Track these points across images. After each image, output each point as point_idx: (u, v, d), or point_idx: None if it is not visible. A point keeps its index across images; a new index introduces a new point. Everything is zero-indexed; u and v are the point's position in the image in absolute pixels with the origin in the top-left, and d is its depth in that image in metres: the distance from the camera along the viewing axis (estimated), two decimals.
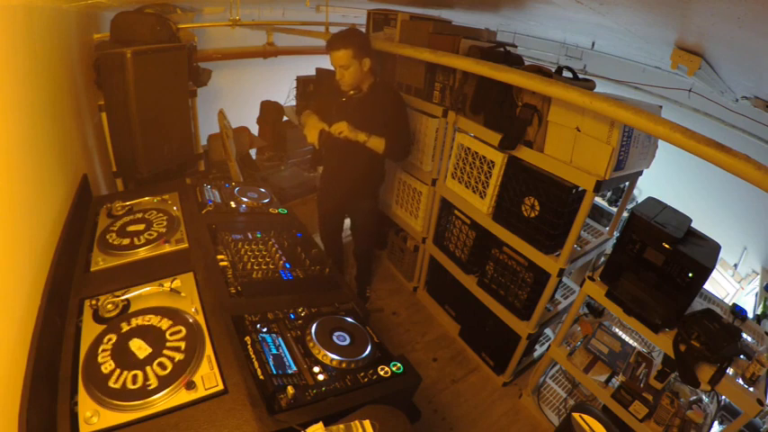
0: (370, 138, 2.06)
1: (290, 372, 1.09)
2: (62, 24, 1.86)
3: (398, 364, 1.19)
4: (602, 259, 2.31)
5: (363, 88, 2.12)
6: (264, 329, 1.20)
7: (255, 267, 1.46)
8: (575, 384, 2.33)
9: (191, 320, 1.16)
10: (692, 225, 1.65)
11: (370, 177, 2.35)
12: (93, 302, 1.19)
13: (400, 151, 2.22)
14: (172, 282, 1.28)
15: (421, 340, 2.69)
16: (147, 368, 1.01)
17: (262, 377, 1.03)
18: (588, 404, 1.58)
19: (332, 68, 2.11)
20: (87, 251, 1.44)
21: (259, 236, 1.68)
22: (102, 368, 1.00)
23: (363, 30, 3.06)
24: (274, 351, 1.14)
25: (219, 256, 1.46)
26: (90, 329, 1.12)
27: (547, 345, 2.59)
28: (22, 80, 1.27)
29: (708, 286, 1.72)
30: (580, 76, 1.97)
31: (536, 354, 2.58)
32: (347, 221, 2.69)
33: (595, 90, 1.71)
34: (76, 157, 1.87)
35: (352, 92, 2.11)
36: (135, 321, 1.14)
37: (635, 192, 3.07)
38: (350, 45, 1.97)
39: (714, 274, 2.64)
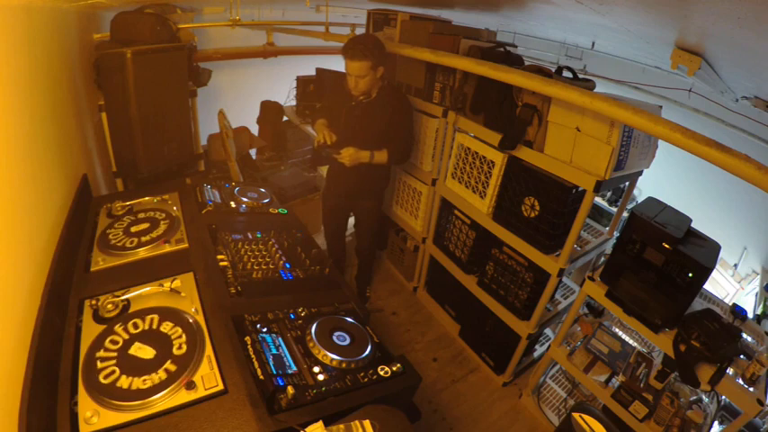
0: (374, 154, 2.14)
1: (290, 372, 1.09)
2: (62, 24, 1.86)
3: (398, 364, 1.19)
4: (602, 259, 2.31)
5: (372, 93, 2.13)
6: (264, 329, 1.21)
7: (255, 267, 1.46)
8: (575, 384, 2.33)
9: (191, 320, 1.16)
10: (692, 225, 1.65)
11: (376, 178, 2.37)
12: (93, 302, 1.19)
13: (401, 157, 2.27)
14: (172, 282, 1.28)
15: (421, 340, 2.69)
16: (147, 368, 1.01)
17: (262, 377, 1.03)
18: (588, 404, 1.58)
19: (332, 68, 2.12)
20: (87, 251, 1.44)
21: (259, 236, 1.68)
22: (102, 368, 1.00)
23: (363, 29, 3.08)
24: (274, 351, 1.14)
25: (219, 256, 1.46)
26: (90, 329, 1.12)
27: (547, 345, 2.58)
28: (22, 80, 1.27)
29: (708, 286, 1.72)
30: (580, 76, 1.97)
31: (536, 354, 2.58)
32: (351, 220, 2.70)
33: (595, 90, 1.71)
34: (76, 157, 1.87)
35: (361, 97, 2.12)
36: (135, 321, 1.14)
37: (635, 192, 3.07)
38: (370, 57, 1.96)
39: (714, 274, 2.64)
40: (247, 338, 1.14)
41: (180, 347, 1.07)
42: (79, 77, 2.08)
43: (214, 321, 1.17)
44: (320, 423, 0.92)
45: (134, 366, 1.02)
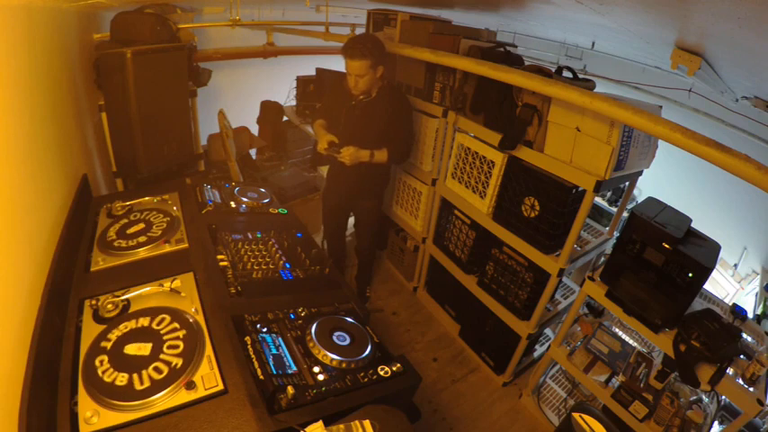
0: (374, 154, 2.13)
1: (290, 372, 1.09)
2: (62, 24, 1.86)
3: (398, 364, 1.19)
4: (602, 259, 2.31)
5: (372, 93, 2.14)
6: (264, 329, 1.21)
7: (255, 267, 1.46)
8: (575, 384, 2.33)
9: (191, 320, 1.16)
10: (692, 225, 1.65)
11: (376, 178, 2.38)
12: (93, 302, 1.19)
13: (401, 156, 2.28)
14: (172, 282, 1.28)
15: (421, 340, 2.69)
16: (147, 368, 1.01)
17: (262, 377, 1.03)
18: (588, 404, 1.58)
19: (332, 68, 2.12)
20: (87, 251, 1.44)
21: (259, 236, 1.68)
22: (102, 368, 1.00)
23: (363, 29, 3.08)
24: (274, 351, 1.14)
25: (219, 256, 1.46)
26: (90, 329, 1.12)
27: (547, 345, 2.58)
28: (23, 80, 1.27)
29: (708, 286, 1.72)
30: (580, 76, 1.97)
31: (536, 354, 2.58)
32: (351, 220, 2.70)
33: (595, 90, 1.71)
34: (76, 157, 1.87)
35: (361, 96, 2.12)
36: (135, 321, 1.14)
37: (635, 192, 3.07)
38: (369, 56, 1.97)
39: (714, 274, 2.64)
40: (247, 338, 1.14)
41: (180, 347, 1.07)
42: (79, 77, 2.08)
43: (214, 321, 1.17)
44: (320, 423, 0.92)
45: (134, 366, 1.02)
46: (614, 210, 3.11)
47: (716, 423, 1.72)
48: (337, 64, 2.46)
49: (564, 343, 2.08)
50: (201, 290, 1.29)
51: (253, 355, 1.09)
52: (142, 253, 1.44)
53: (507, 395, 2.38)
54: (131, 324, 1.13)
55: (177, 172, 2.52)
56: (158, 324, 1.14)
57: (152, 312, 1.17)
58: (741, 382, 1.45)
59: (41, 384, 0.92)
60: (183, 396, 0.96)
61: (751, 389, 1.42)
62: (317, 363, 1.14)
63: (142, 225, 1.58)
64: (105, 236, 1.50)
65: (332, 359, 1.15)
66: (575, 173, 1.77)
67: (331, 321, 1.30)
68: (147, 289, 1.26)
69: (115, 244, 1.46)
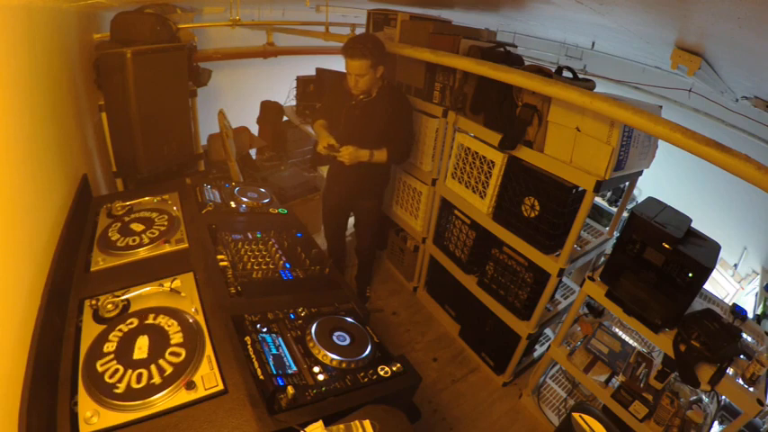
0: (373, 154, 2.14)
1: (290, 372, 1.09)
2: (62, 24, 1.86)
3: (398, 364, 1.19)
4: (602, 259, 2.31)
5: (373, 93, 2.14)
6: (264, 329, 1.21)
7: (255, 267, 1.46)
8: (575, 384, 2.33)
9: (191, 320, 1.16)
10: (692, 225, 1.65)
11: (376, 178, 2.38)
12: (93, 302, 1.19)
13: (401, 156, 2.28)
14: (172, 282, 1.28)
15: (421, 340, 2.69)
16: (147, 368, 1.01)
17: (262, 377, 1.03)
18: (588, 404, 1.58)
19: (332, 68, 2.12)
20: (87, 251, 1.44)
21: (259, 236, 1.68)
22: (103, 368, 1.00)
23: (363, 29, 3.08)
24: (274, 351, 1.14)
25: (219, 256, 1.46)
26: (90, 329, 1.12)
27: (547, 345, 2.58)
28: (22, 80, 1.27)
29: (708, 286, 1.72)
30: (580, 76, 1.97)
31: (536, 354, 2.58)
32: (351, 220, 2.70)
33: (595, 90, 1.71)
34: (76, 157, 1.87)
35: (361, 96, 2.13)
36: (135, 321, 1.14)
37: (635, 192, 3.07)
38: (370, 55, 1.97)
39: (714, 274, 2.64)
40: (247, 338, 1.14)
41: (180, 347, 1.07)
42: (79, 77, 2.08)
43: (214, 321, 1.17)
44: (320, 423, 0.92)
45: (134, 366, 1.02)
46: (614, 210, 3.11)
47: (716, 423, 1.72)
48: (337, 64, 2.46)
49: (564, 343, 2.08)
50: (201, 290, 1.29)
51: (253, 355, 1.09)
52: (142, 253, 1.44)
53: (507, 395, 2.38)
54: (131, 324, 1.13)
55: (177, 172, 2.52)
56: (158, 324, 1.14)
57: (152, 312, 1.17)
58: (741, 382, 1.45)
59: (41, 384, 0.92)
60: (183, 396, 0.96)
61: (751, 389, 1.42)
62: (317, 363, 1.14)
63: (142, 225, 1.58)
64: (105, 236, 1.50)
65: (332, 359, 1.15)
66: (575, 173, 1.77)
67: (331, 321, 1.30)
68: (147, 289, 1.26)
69: (115, 244, 1.46)
